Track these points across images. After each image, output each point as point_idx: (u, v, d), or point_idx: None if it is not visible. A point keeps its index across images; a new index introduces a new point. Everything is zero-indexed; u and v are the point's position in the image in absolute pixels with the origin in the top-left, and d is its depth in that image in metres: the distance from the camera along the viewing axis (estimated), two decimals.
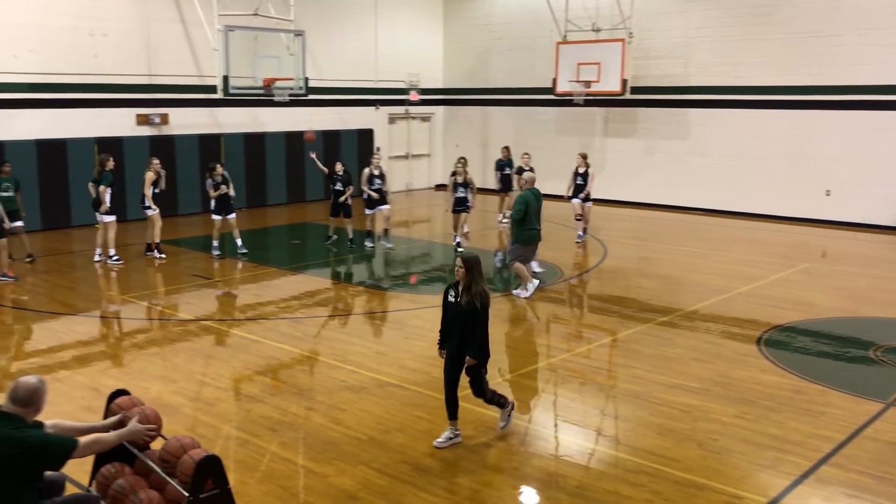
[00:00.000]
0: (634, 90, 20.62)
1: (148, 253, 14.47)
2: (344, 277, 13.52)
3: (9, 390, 4.35)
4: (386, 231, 15.56)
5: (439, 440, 6.74)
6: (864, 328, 10.47)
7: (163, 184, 14.40)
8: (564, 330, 10.51)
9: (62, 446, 4.26)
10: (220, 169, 14.61)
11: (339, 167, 15.40)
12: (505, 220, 17.15)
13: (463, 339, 6.57)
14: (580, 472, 6.34)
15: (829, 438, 6.90)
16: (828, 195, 18.48)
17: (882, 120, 17.57)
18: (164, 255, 14.31)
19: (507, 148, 18.73)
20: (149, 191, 14.04)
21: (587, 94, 20.76)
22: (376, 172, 15.18)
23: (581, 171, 16.07)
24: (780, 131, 19.01)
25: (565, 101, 21.75)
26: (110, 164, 13.74)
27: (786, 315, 10.84)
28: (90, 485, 5.20)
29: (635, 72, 20.72)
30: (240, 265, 14.04)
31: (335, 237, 15.79)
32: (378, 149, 17.03)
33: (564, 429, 7.27)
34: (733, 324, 10.47)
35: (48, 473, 4.65)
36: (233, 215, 14.60)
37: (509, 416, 7.03)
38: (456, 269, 6.59)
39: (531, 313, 11.08)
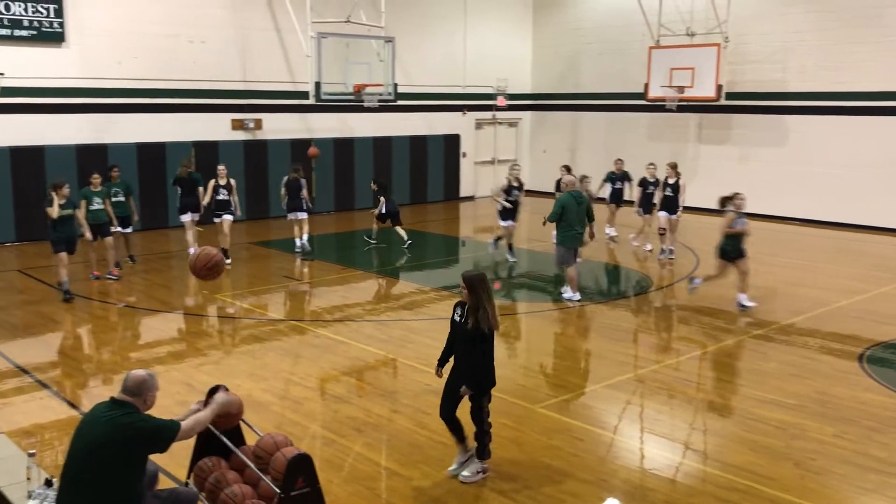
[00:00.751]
0: (729, 96, 20.04)
1: None
2: (427, 281, 13.56)
3: (123, 381, 4.56)
4: (510, 246, 14.62)
5: (465, 474, 6.15)
6: None
7: (227, 194, 14.31)
8: (653, 341, 10.27)
9: (168, 429, 4.43)
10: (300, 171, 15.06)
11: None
12: (612, 234, 16.78)
13: (464, 364, 6.10)
14: (669, 487, 6.16)
15: None
16: None
17: None
18: (229, 261, 13.77)
19: (620, 160, 17.10)
20: (209, 199, 14.00)
21: (680, 100, 20.30)
22: (515, 184, 14.39)
23: (671, 181, 14.86)
24: (886, 138, 18.14)
25: (657, 107, 21.32)
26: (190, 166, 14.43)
27: (891, 331, 10.30)
28: (188, 478, 5.33)
29: (731, 77, 20.15)
30: (321, 267, 14.26)
31: (410, 241, 15.75)
32: (516, 164, 15.82)
33: (652, 442, 7.08)
34: (833, 339, 10.02)
35: (179, 490, 4.90)
36: (304, 215, 14.89)
37: (478, 473, 6.17)
38: (460, 288, 6.11)
39: (618, 323, 10.86)
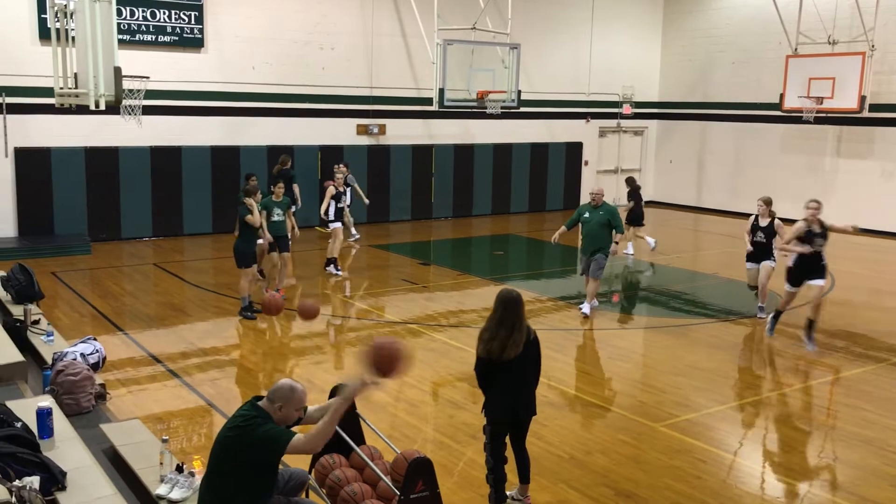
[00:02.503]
0: (873, 108, 18.90)
1: (327, 268, 13.72)
2: (545, 290, 13.39)
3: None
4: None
5: None
6: None
7: (347, 199, 14.59)
8: (782, 363, 9.74)
9: (277, 440, 4.31)
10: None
11: None
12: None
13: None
14: None
15: None
16: None
17: None
18: (341, 271, 13.74)
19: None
20: (327, 205, 13.68)
21: (818, 111, 19.30)
22: (763, 224, 11.18)
23: (763, 224, 11.19)
24: None
25: (793, 118, 20.35)
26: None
27: None
28: (310, 473, 5.43)
29: (876, 87, 18.99)
30: (443, 273, 14.30)
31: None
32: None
33: (778, 468, 6.70)
34: None
35: (290, 470, 4.88)
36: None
37: None
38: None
39: (747, 343, 10.39)
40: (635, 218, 15.71)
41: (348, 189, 15.61)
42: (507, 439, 5.62)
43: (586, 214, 11.23)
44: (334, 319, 11.27)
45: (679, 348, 10.01)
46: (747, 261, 11.47)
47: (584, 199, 23.46)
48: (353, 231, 16.98)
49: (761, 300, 11.46)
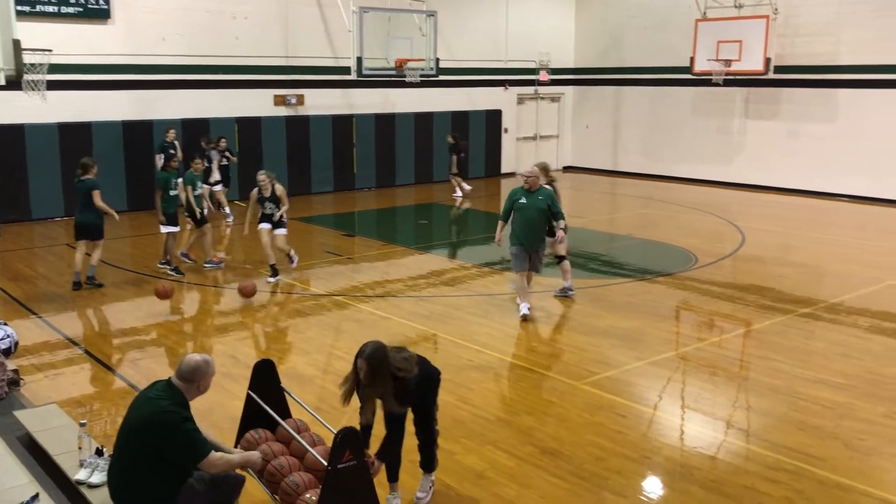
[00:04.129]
0: (778, 69, 19.56)
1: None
2: (469, 257, 13.52)
3: (178, 365, 4.56)
4: None
5: (419, 495, 5.49)
6: None
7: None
8: (696, 318, 10.13)
9: (195, 453, 4.32)
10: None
11: None
12: None
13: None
14: (714, 465, 6.09)
15: None
16: None
17: None
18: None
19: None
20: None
21: (727, 74, 19.87)
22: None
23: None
24: None
25: (703, 81, 20.91)
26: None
27: None
28: (235, 447, 5.40)
29: (780, 50, 19.64)
30: (364, 243, 14.29)
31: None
32: None
33: (696, 420, 7.00)
34: (884, 318, 9.79)
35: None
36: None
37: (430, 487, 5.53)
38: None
39: (661, 300, 10.74)
40: (461, 168, 19.22)
41: (213, 164, 15.90)
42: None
43: (522, 200, 9.63)
44: (258, 294, 11.15)
45: (598, 308, 10.28)
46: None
47: (507, 167, 23.73)
48: (227, 210, 16.43)
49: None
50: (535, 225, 9.62)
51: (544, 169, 10.49)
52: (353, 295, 10.90)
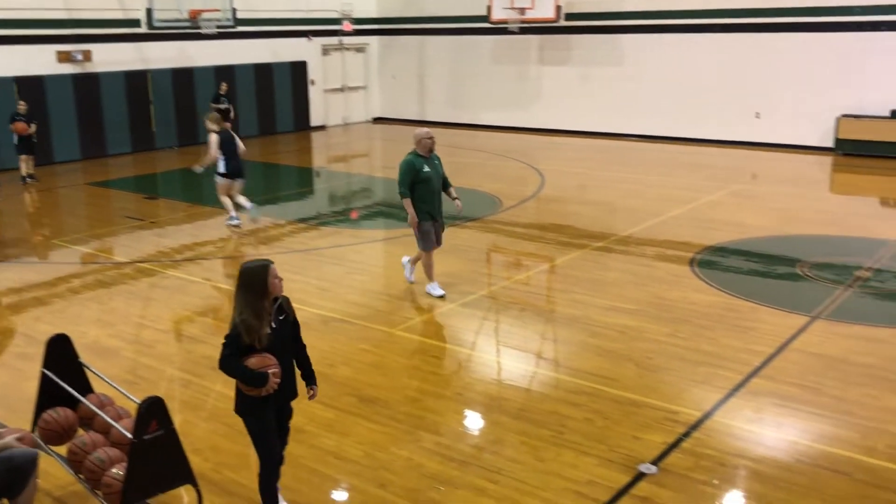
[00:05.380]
0: (569, 17, 20.51)
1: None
2: (282, 214, 13.35)
3: None
4: None
5: None
6: (792, 246, 10.83)
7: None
8: (503, 259, 10.63)
9: None
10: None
11: None
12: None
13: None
14: (522, 395, 6.50)
15: (759, 352, 7.19)
16: (757, 118, 18.82)
17: (812, 42, 17.85)
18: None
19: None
20: None
21: (522, 22, 20.57)
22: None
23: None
24: (714, 55, 19.18)
25: (501, 30, 21.54)
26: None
27: (717, 236, 11.14)
28: (32, 430, 5.14)
29: None
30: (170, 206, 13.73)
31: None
32: None
33: (506, 354, 7.41)
34: (667, 246, 10.72)
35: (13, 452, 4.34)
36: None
37: None
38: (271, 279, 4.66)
39: (470, 243, 11.14)
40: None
41: None
42: None
43: (425, 168, 8.41)
44: (54, 266, 10.46)
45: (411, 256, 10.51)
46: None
47: (316, 120, 23.40)
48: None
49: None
50: (439, 193, 8.60)
51: (216, 120, 11.58)
52: (160, 260, 10.49)
